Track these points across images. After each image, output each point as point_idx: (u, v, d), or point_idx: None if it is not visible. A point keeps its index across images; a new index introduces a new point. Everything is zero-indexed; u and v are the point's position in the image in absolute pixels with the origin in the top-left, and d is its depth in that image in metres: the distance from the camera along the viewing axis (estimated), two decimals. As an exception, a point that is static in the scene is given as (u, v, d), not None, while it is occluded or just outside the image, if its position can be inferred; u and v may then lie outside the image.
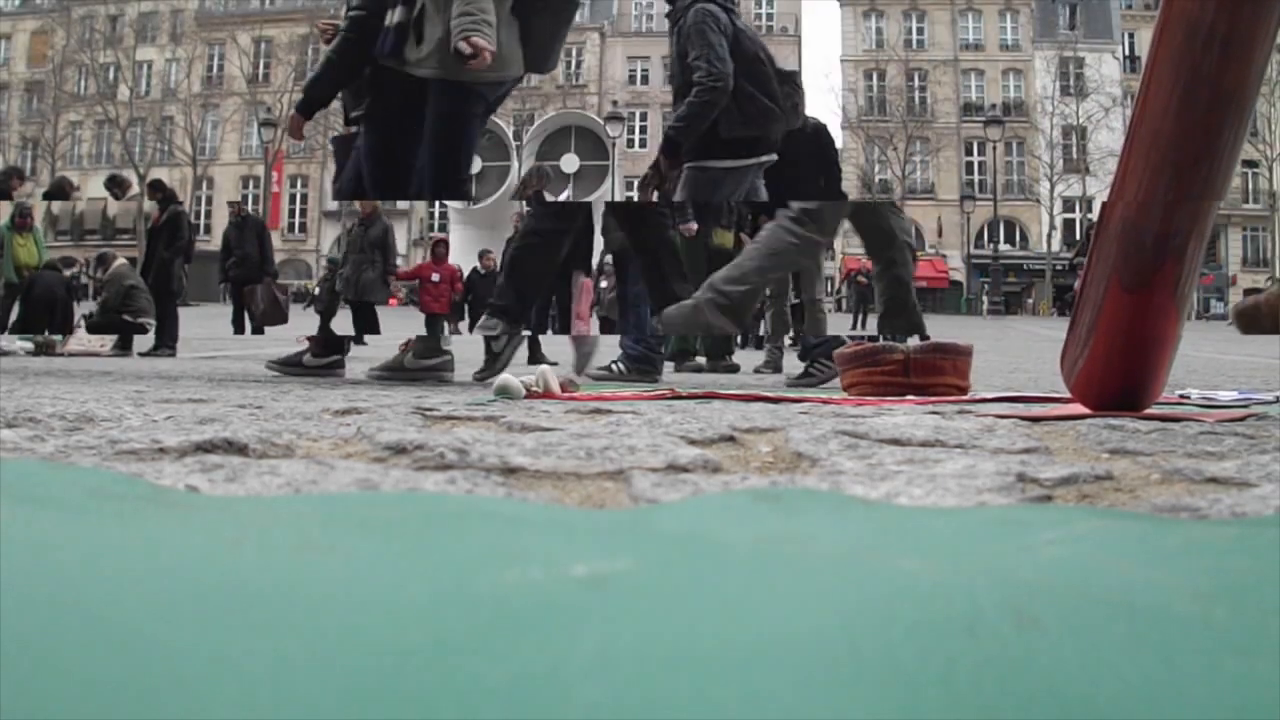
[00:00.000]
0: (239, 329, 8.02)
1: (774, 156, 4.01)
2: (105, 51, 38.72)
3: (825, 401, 2.35)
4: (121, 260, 7.67)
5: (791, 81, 3.98)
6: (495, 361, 4.17)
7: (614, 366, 4.50)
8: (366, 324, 5.40)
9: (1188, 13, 1.71)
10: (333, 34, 3.79)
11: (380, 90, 3.64)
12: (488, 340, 4.17)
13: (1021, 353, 8.30)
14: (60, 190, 8.43)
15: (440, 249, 10.21)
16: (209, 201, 35.10)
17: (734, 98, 3.77)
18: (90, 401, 1.85)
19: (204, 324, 9.57)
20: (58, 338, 7.12)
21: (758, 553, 0.72)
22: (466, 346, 4.61)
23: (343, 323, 5.59)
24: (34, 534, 0.73)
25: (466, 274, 8.11)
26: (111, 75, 38.43)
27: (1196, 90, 1.71)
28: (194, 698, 0.42)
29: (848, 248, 34.34)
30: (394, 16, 3.48)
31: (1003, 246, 35.15)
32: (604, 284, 9.95)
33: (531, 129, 37.24)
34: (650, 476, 1.08)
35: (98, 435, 1.29)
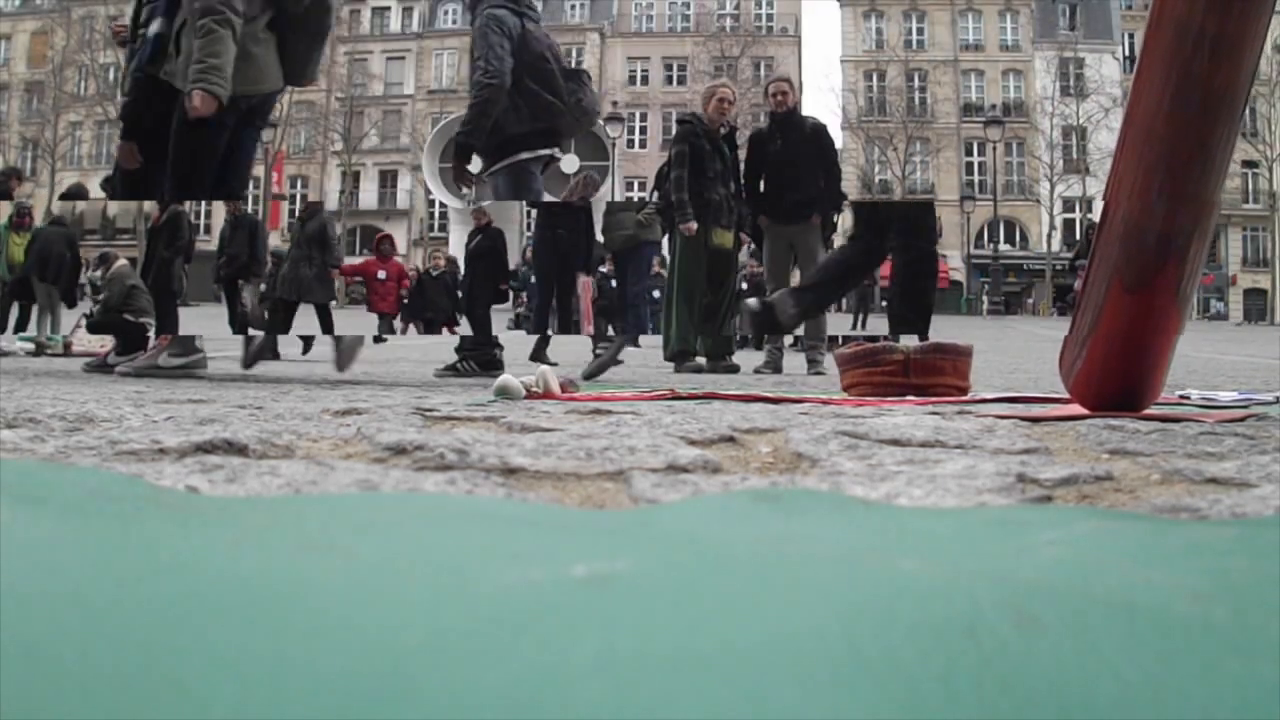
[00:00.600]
0: (236, 329, 8.02)
1: (557, 150, 4.33)
2: (105, 52, 38.69)
3: (825, 402, 2.35)
4: (123, 260, 7.67)
5: (577, 79, 4.24)
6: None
7: (460, 366, 4.80)
8: (315, 322, 5.43)
9: (1177, 13, 1.71)
10: (124, 36, 4.02)
11: (144, 95, 3.90)
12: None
13: (1021, 353, 8.30)
14: (80, 193, 8.51)
15: (385, 245, 10.00)
16: (208, 201, 35.05)
17: (520, 95, 4.07)
18: (90, 402, 1.85)
19: (203, 324, 9.58)
20: (57, 338, 7.12)
21: (758, 553, 0.72)
22: (411, 348, 4.63)
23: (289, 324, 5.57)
24: (34, 534, 0.73)
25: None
26: (111, 75, 38.41)
27: (1187, 90, 1.71)
28: (194, 698, 0.42)
29: (848, 248, 34.29)
30: (154, 27, 3.72)
31: (1003, 247, 35.16)
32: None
33: (531, 129, 37.18)
34: (650, 477, 1.08)
35: (98, 436, 1.29)
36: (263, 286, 6.98)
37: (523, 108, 4.06)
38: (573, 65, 4.32)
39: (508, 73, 4.03)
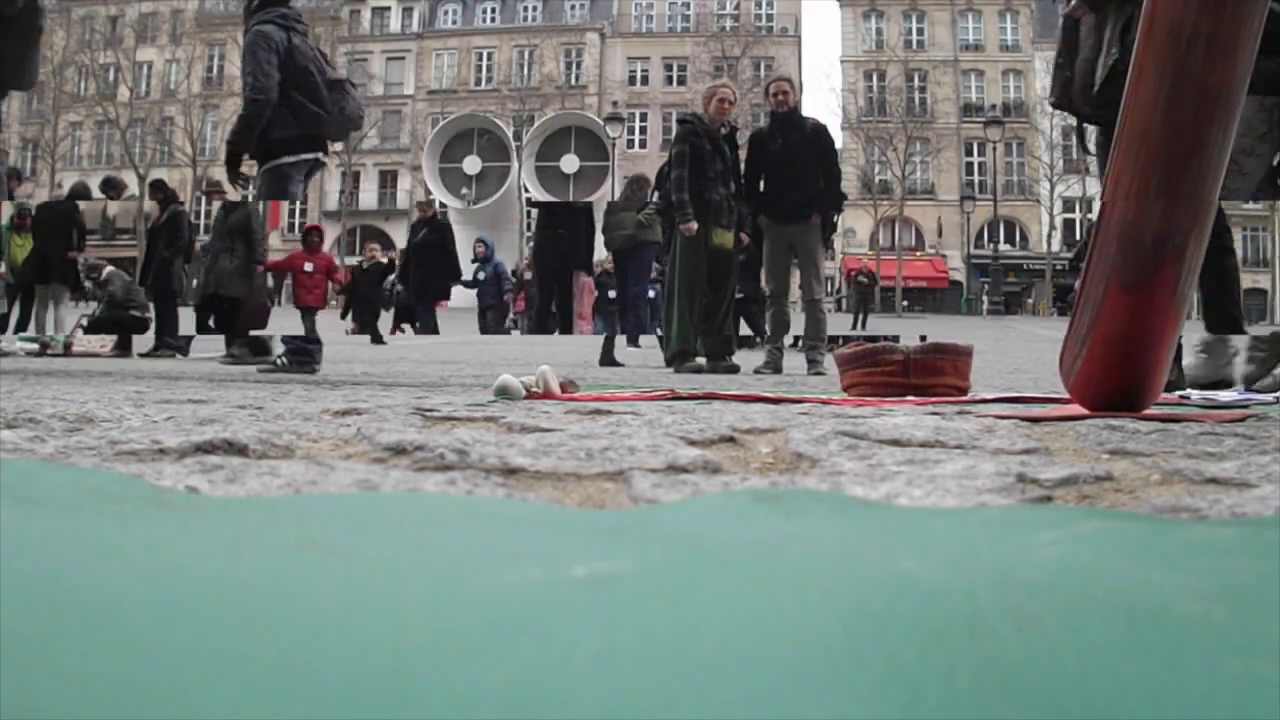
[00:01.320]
0: (219, 329, 8.02)
1: (321, 154, 4.77)
2: (105, 52, 38.73)
3: (825, 402, 2.35)
4: (110, 266, 7.74)
5: (340, 88, 4.63)
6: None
7: (278, 361, 5.12)
8: (227, 318, 5.51)
9: (1170, 12, 1.71)
10: None
11: None
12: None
13: (1021, 353, 8.30)
14: (83, 194, 8.55)
15: (314, 237, 9.74)
16: (208, 201, 35.11)
17: (287, 105, 4.44)
18: (90, 402, 1.85)
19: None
20: (58, 338, 7.12)
21: (758, 553, 0.72)
22: (411, 348, 4.63)
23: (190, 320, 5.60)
24: (34, 534, 0.73)
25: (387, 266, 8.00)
26: (111, 76, 38.44)
27: (1182, 89, 1.71)
28: (194, 698, 0.42)
29: (848, 247, 34.37)
30: None
31: (1003, 247, 35.17)
32: (481, 276, 9.84)
33: (531, 130, 37.27)
34: (650, 477, 1.08)
35: (98, 436, 1.29)
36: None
37: (289, 116, 4.44)
38: (338, 76, 4.72)
39: (274, 88, 4.40)
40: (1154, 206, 1.77)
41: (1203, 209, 1.79)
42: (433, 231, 8.57)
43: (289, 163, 4.53)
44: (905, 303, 33.47)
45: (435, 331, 9.49)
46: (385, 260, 10.73)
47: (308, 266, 8.65)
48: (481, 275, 10.06)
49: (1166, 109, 1.73)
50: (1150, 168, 1.77)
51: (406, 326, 10.66)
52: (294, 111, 4.40)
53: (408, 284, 9.05)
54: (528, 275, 10.78)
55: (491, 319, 10.25)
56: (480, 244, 10.31)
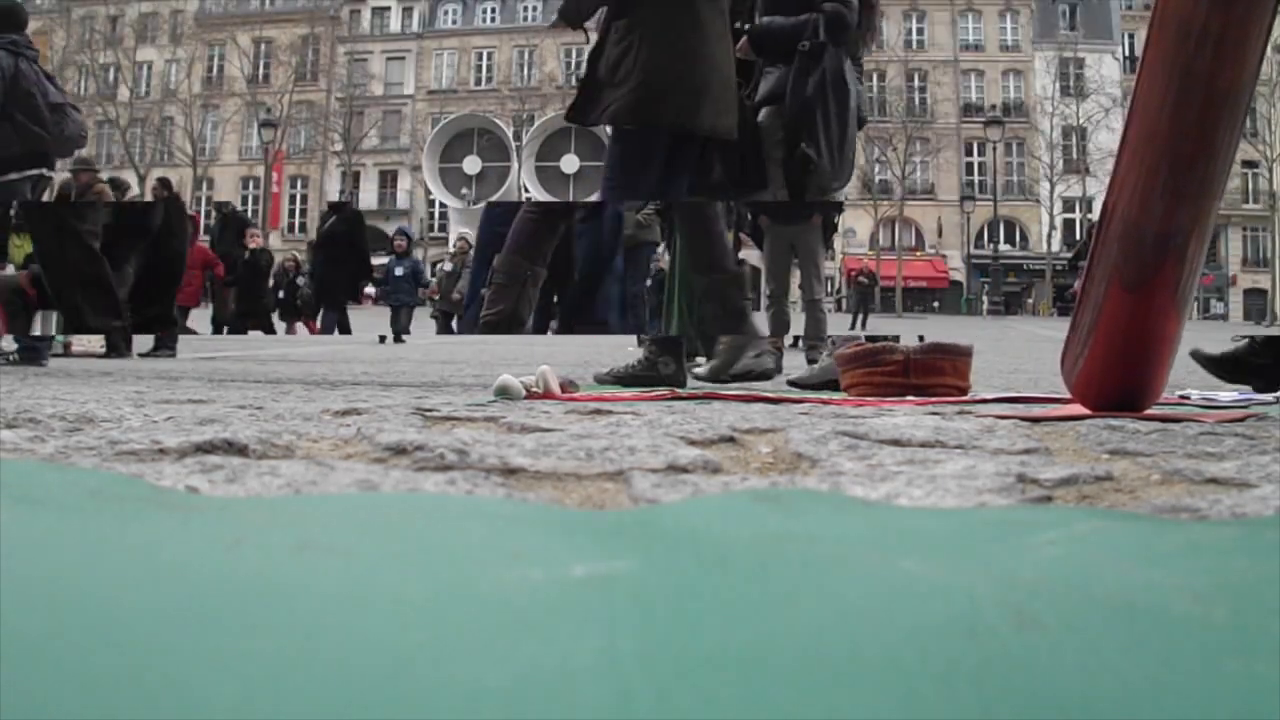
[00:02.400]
0: (217, 329, 7.89)
1: (45, 169, 5.17)
2: (105, 52, 38.74)
3: (825, 402, 2.35)
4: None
5: (61, 111, 5.05)
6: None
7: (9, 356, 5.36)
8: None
9: (1180, 12, 1.71)
10: None
11: None
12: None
13: (1021, 353, 8.30)
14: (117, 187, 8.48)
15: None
16: (209, 202, 35.14)
17: (12, 125, 4.85)
18: (90, 402, 1.85)
19: (202, 324, 9.51)
20: (58, 338, 7.10)
21: (758, 553, 0.72)
22: (411, 348, 4.56)
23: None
24: (34, 534, 0.73)
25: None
26: (111, 76, 38.45)
27: (1190, 90, 1.71)
28: (194, 698, 0.42)
29: (848, 247, 34.38)
30: None
31: (1003, 247, 35.17)
32: (448, 268, 9.10)
33: (531, 129, 37.26)
34: (650, 477, 1.08)
35: (98, 436, 1.29)
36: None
37: (13, 135, 4.84)
38: (60, 100, 5.15)
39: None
40: (1157, 206, 1.77)
41: (1205, 209, 1.79)
42: (341, 222, 7.92)
43: (14, 179, 4.93)
44: (909, 305, 33.47)
45: (346, 331, 8.73)
46: (265, 248, 9.12)
47: (181, 261, 8.17)
48: (399, 271, 9.14)
49: (1174, 109, 1.73)
50: (1156, 168, 1.77)
51: (301, 326, 9.71)
52: (18, 131, 4.82)
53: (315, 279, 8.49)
54: (448, 267, 9.84)
55: (406, 320, 9.14)
56: (401, 237, 9.45)
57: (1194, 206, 1.77)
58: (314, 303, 8.83)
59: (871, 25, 3.46)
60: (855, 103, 3.27)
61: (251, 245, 8.67)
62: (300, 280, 9.96)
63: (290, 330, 9.87)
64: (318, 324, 9.20)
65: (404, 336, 9.21)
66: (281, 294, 10.21)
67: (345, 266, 7.60)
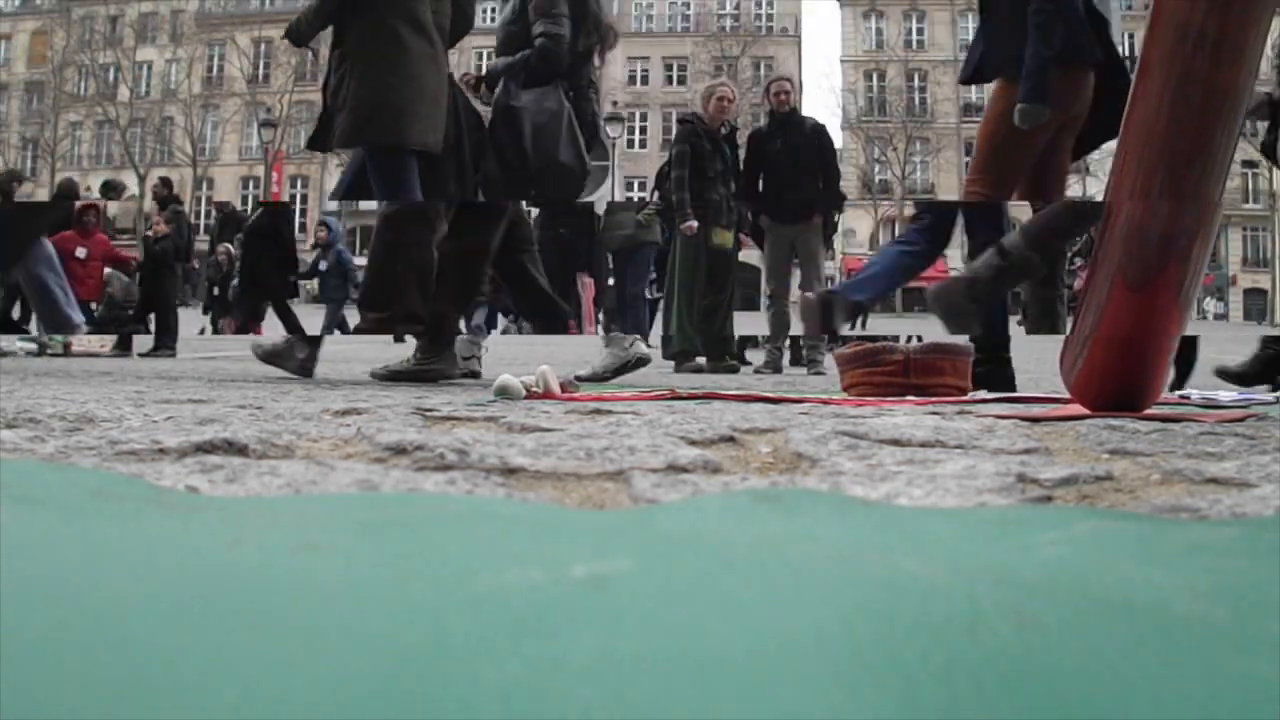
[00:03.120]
0: (214, 329, 7.74)
1: None
2: (105, 52, 38.72)
3: (825, 402, 2.35)
4: (108, 268, 7.55)
5: None
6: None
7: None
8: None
9: (1177, 14, 1.71)
10: None
11: None
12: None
13: (1021, 353, 8.30)
14: (73, 191, 8.31)
15: (88, 216, 7.82)
16: (209, 202, 35.13)
17: None
18: (90, 402, 1.85)
19: (201, 323, 9.40)
20: (58, 338, 7.10)
21: (758, 553, 0.72)
22: (411, 348, 4.46)
23: None
24: (34, 534, 0.73)
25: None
26: (111, 76, 38.43)
27: (1188, 90, 1.72)
28: (194, 698, 0.42)
29: (848, 247, 34.34)
30: None
31: (1002, 247, 35.12)
32: (322, 266, 8.55)
33: (531, 129, 37.16)
34: (650, 477, 1.08)
35: (98, 436, 1.29)
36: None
37: None
38: None
39: None
40: (1159, 207, 1.77)
41: (1208, 209, 1.79)
42: (266, 215, 7.49)
43: None
44: (909, 305, 33.46)
45: (294, 329, 7.73)
46: (168, 233, 7.81)
47: (80, 252, 7.38)
48: (322, 265, 8.40)
49: (1172, 109, 1.73)
50: (1155, 168, 1.77)
51: (209, 325, 8.93)
52: None
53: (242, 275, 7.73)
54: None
55: (332, 317, 8.34)
56: (323, 228, 8.68)
57: (1197, 207, 1.78)
58: (241, 299, 8.15)
59: (599, 46, 3.77)
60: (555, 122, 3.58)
61: (154, 231, 7.76)
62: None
63: (228, 329, 8.92)
64: (264, 323, 8.47)
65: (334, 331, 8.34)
66: (216, 290, 9.52)
67: (270, 260, 7.22)
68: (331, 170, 39.87)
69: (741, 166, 6.37)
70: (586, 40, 3.66)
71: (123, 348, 7.45)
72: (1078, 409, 1.91)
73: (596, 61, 3.81)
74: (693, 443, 1.34)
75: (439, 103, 3.37)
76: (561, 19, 3.55)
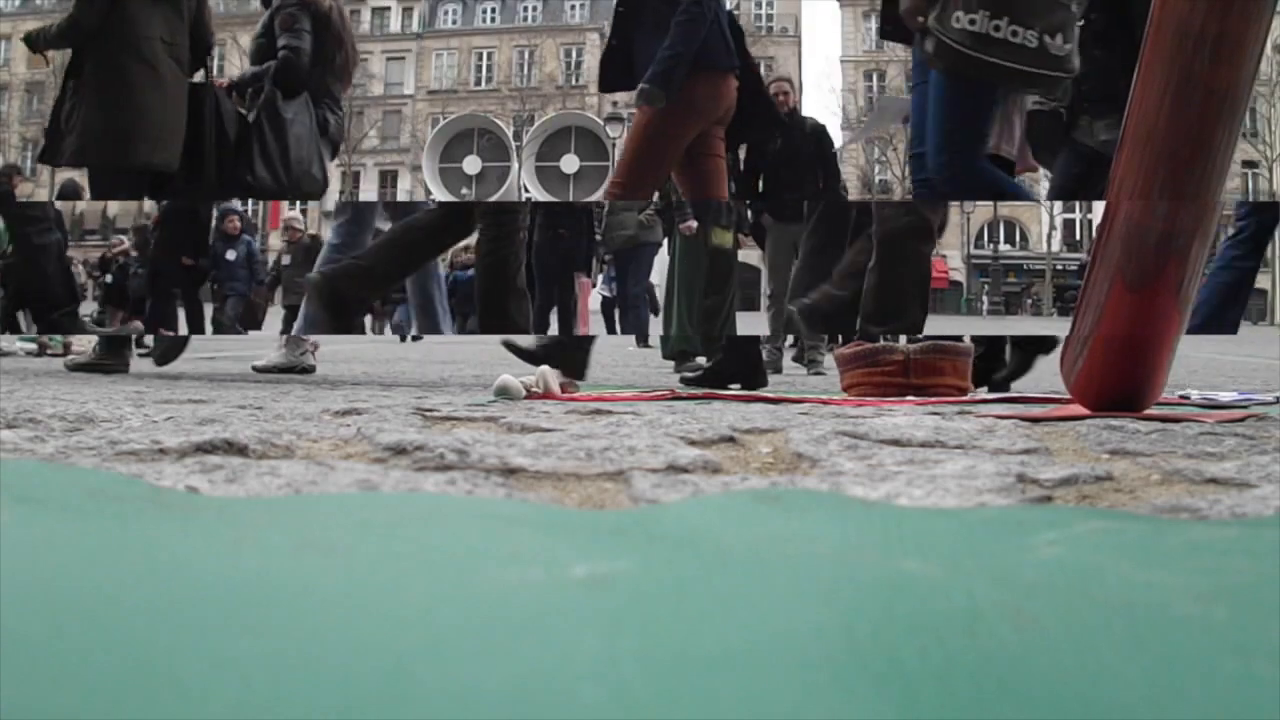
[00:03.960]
0: (217, 329, 7.64)
1: None
2: (105, 52, 38.62)
3: (825, 402, 2.35)
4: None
5: None
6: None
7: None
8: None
9: (1178, 14, 1.71)
10: None
11: None
12: None
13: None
14: (76, 192, 8.24)
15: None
16: (209, 202, 35.06)
17: None
18: (90, 402, 1.85)
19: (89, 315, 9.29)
20: (58, 338, 7.08)
21: (758, 553, 0.72)
22: (411, 348, 4.50)
23: None
24: (34, 534, 0.73)
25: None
26: (111, 76, 38.32)
27: (1188, 91, 1.72)
28: (194, 698, 0.42)
29: (848, 248, 34.28)
30: None
31: (1003, 247, 35.17)
32: (285, 260, 8.23)
33: (531, 129, 37.26)
34: (650, 477, 1.08)
35: (98, 436, 1.29)
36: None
37: None
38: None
39: None
40: (1158, 207, 1.77)
41: (1207, 210, 1.79)
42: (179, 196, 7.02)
43: None
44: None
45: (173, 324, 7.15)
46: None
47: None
48: (230, 256, 7.84)
49: (1172, 109, 1.73)
50: (1155, 168, 1.77)
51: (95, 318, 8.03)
52: None
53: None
54: (286, 260, 8.49)
55: (234, 310, 7.76)
56: (233, 218, 8.08)
57: (1196, 207, 1.78)
58: (147, 292, 7.74)
59: (345, 61, 4.10)
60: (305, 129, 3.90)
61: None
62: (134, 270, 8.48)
63: (121, 322, 8.29)
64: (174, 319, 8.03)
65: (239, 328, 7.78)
66: (109, 279, 8.96)
67: (178, 249, 6.99)
68: (331, 170, 39.81)
69: (742, 167, 6.37)
70: (331, 59, 4.00)
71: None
72: (1078, 409, 1.91)
73: (342, 79, 4.17)
74: (693, 443, 1.34)
75: (166, 125, 3.72)
76: (303, 34, 3.87)
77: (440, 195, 35.75)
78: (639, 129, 3.58)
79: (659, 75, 3.42)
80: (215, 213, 6.76)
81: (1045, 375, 3.92)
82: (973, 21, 2.82)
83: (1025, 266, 35.85)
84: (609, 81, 3.79)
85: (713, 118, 3.55)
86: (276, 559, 0.67)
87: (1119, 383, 1.91)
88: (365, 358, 4.91)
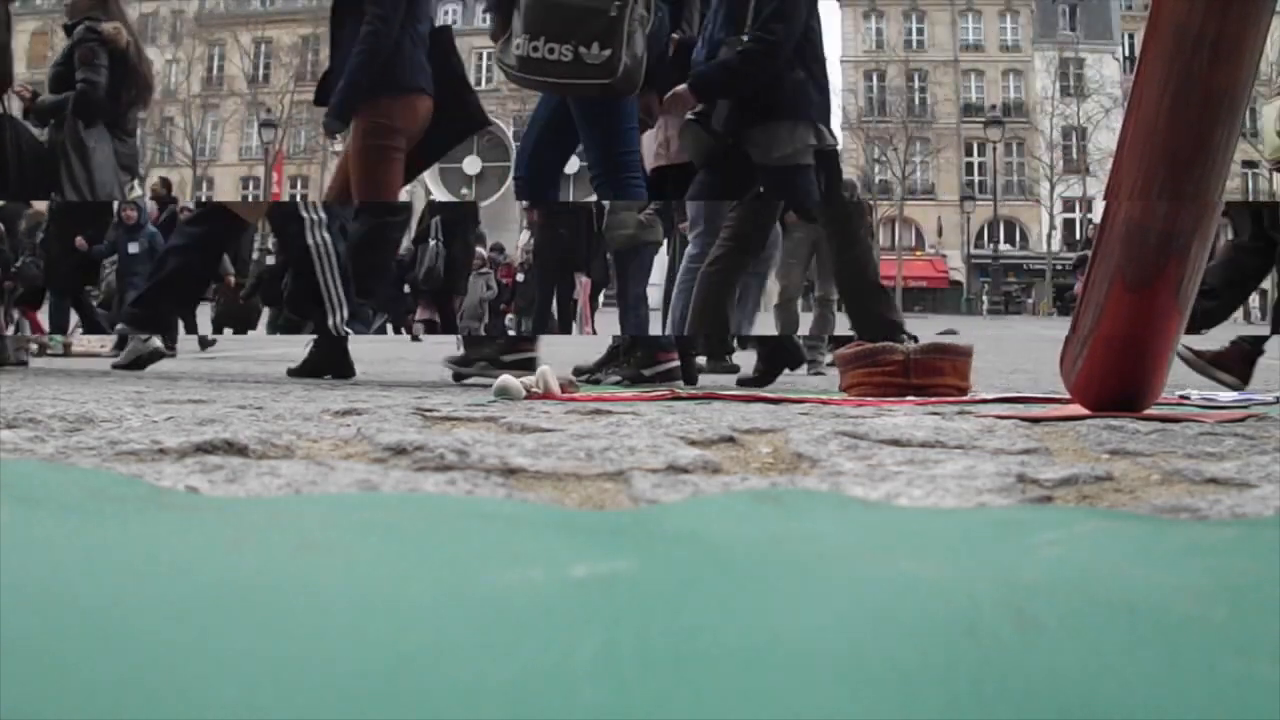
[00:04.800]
0: (218, 328, 7.61)
1: None
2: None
3: (825, 402, 2.35)
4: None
5: None
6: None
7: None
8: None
9: (1177, 15, 1.71)
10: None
11: None
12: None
13: (1021, 353, 8.30)
14: None
15: None
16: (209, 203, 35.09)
17: None
18: (90, 402, 1.85)
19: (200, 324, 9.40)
20: (57, 338, 7.06)
21: (758, 553, 0.72)
22: (410, 347, 4.50)
23: None
24: (34, 534, 0.73)
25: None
26: (111, 75, 38.35)
27: (1188, 91, 1.72)
28: (194, 698, 0.42)
29: (848, 248, 34.29)
30: None
31: (1003, 247, 35.17)
32: (133, 250, 7.72)
33: (531, 129, 37.16)
34: (650, 477, 1.08)
35: (98, 436, 1.29)
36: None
37: None
38: None
39: None
40: (1158, 207, 1.77)
41: (1207, 210, 1.79)
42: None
43: None
44: (909, 305, 33.49)
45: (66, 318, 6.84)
46: None
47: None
48: (132, 248, 6.95)
49: (1171, 109, 1.73)
50: (1155, 168, 1.77)
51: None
52: None
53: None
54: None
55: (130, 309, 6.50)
56: (131, 207, 7.14)
57: (1196, 207, 1.78)
58: (42, 287, 7.15)
59: (138, 95, 4.32)
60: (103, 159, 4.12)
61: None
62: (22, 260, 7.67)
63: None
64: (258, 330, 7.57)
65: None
66: None
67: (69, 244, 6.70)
68: (332, 171, 39.80)
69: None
70: (126, 92, 4.22)
71: (123, 348, 7.40)
72: (1078, 409, 1.91)
73: (140, 114, 4.44)
74: (693, 443, 1.34)
75: None
76: (100, 69, 4.08)
77: (439, 194, 35.76)
78: (354, 153, 3.80)
79: (334, 105, 3.68)
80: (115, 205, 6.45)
81: (1045, 375, 3.92)
82: (518, 47, 3.12)
83: (1025, 266, 35.86)
84: (321, 101, 3.96)
85: (409, 134, 3.75)
86: (276, 559, 0.67)
87: (1119, 383, 1.91)
88: (365, 358, 4.91)
